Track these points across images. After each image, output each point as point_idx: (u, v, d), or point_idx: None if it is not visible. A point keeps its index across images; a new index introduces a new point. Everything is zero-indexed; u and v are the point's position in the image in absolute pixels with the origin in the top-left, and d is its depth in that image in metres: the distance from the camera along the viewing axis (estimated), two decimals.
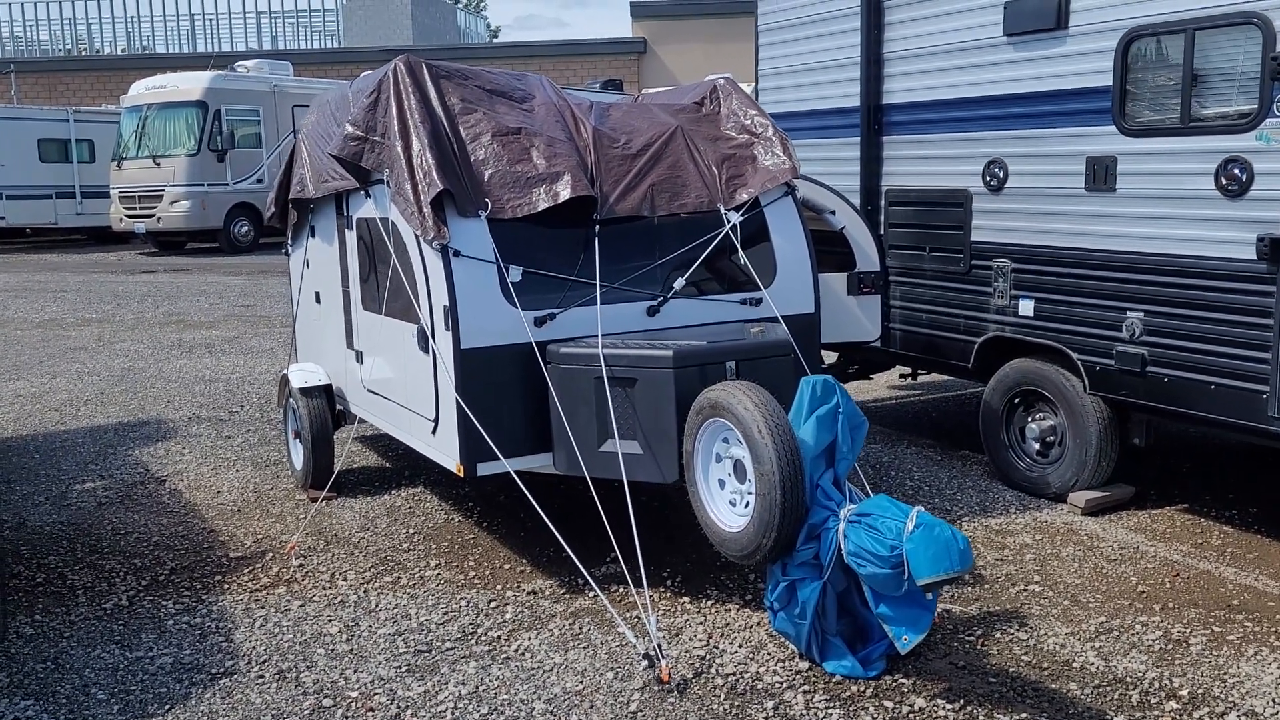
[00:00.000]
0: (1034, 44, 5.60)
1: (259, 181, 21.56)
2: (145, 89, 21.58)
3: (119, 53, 40.71)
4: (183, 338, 11.74)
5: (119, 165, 21.60)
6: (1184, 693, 3.85)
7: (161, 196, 20.90)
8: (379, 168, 5.05)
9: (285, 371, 6.45)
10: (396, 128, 4.86)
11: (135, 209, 21.30)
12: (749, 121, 5.58)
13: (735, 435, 4.03)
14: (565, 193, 4.81)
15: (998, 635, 4.31)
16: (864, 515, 3.78)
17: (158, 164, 20.94)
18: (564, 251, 4.91)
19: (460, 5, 50.02)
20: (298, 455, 6.32)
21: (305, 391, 6.16)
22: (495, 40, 53.90)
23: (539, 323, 4.72)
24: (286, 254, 6.98)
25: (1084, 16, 5.34)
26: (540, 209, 4.80)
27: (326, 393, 6.22)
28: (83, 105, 28.49)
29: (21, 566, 5.17)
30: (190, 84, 21.10)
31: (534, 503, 4.64)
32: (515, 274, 4.72)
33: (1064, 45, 5.45)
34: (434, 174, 4.65)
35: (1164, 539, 5.33)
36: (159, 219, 21.04)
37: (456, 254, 4.62)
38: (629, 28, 33.69)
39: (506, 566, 5.10)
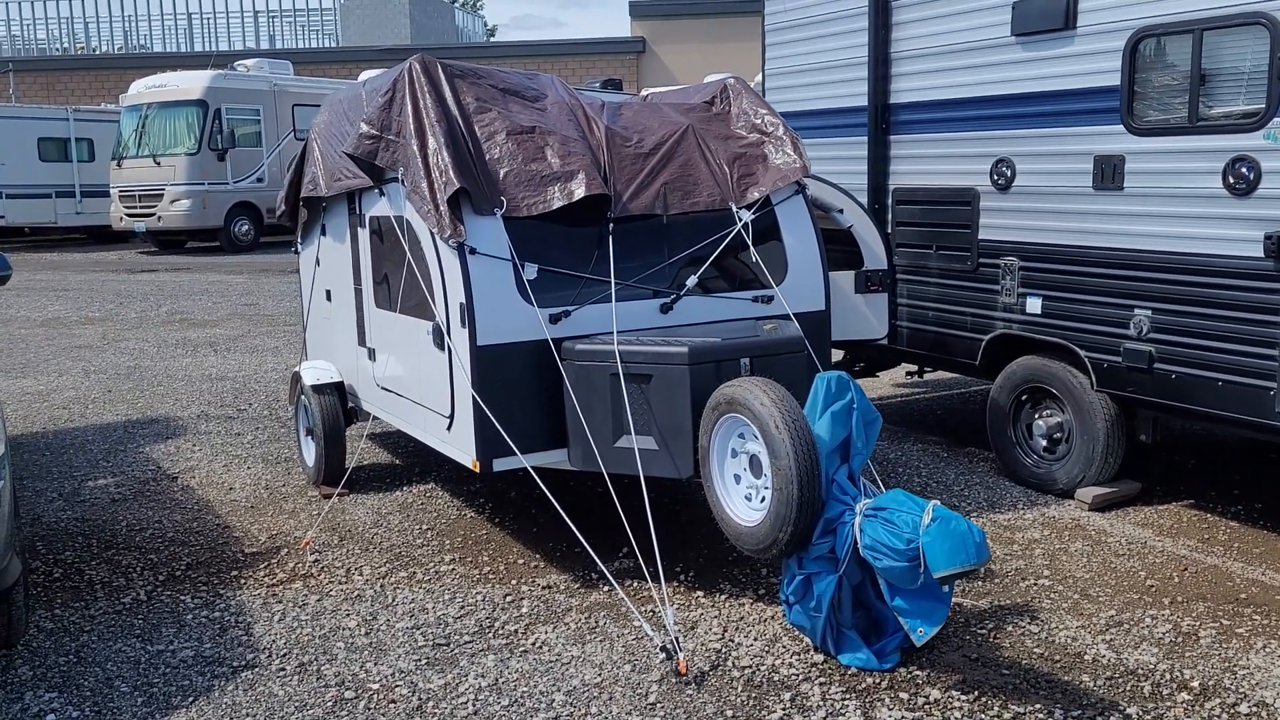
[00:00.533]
0: (1042, 44, 5.65)
1: (259, 180, 21.58)
2: (145, 88, 21.58)
3: (116, 51, 40.68)
4: (187, 336, 11.77)
5: (119, 164, 21.60)
6: (1195, 684, 3.90)
7: (162, 195, 20.91)
8: (394, 166, 5.09)
9: (297, 369, 6.48)
10: (412, 126, 4.90)
11: (135, 208, 21.31)
12: (759, 121, 5.63)
13: (752, 431, 4.08)
14: (580, 191, 4.85)
15: (1009, 628, 4.36)
16: (880, 509, 3.83)
17: (158, 163, 20.95)
18: (578, 249, 4.95)
19: (458, 4, 50.04)
20: (310, 452, 6.36)
21: (317, 388, 6.21)
22: (493, 40, 53.92)
23: (554, 320, 4.76)
24: (296, 252, 7.01)
25: (1092, 16, 5.39)
26: (555, 207, 4.84)
27: (338, 390, 6.26)
28: (81, 104, 28.47)
29: (38, 562, 5.21)
30: (190, 83, 21.11)
31: (551, 498, 4.69)
32: (531, 271, 4.76)
33: (1072, 45, 5.50)
34: (450, 172, 4.69)
35: (1171, 534, 5.39)
36: (159, 218, 21.05)
37: (473, 251, 4.67)
38: (627, 27, 33.73)
39: (520, 561, 5.14)
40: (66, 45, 42.61)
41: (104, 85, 33.61)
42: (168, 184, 20.85)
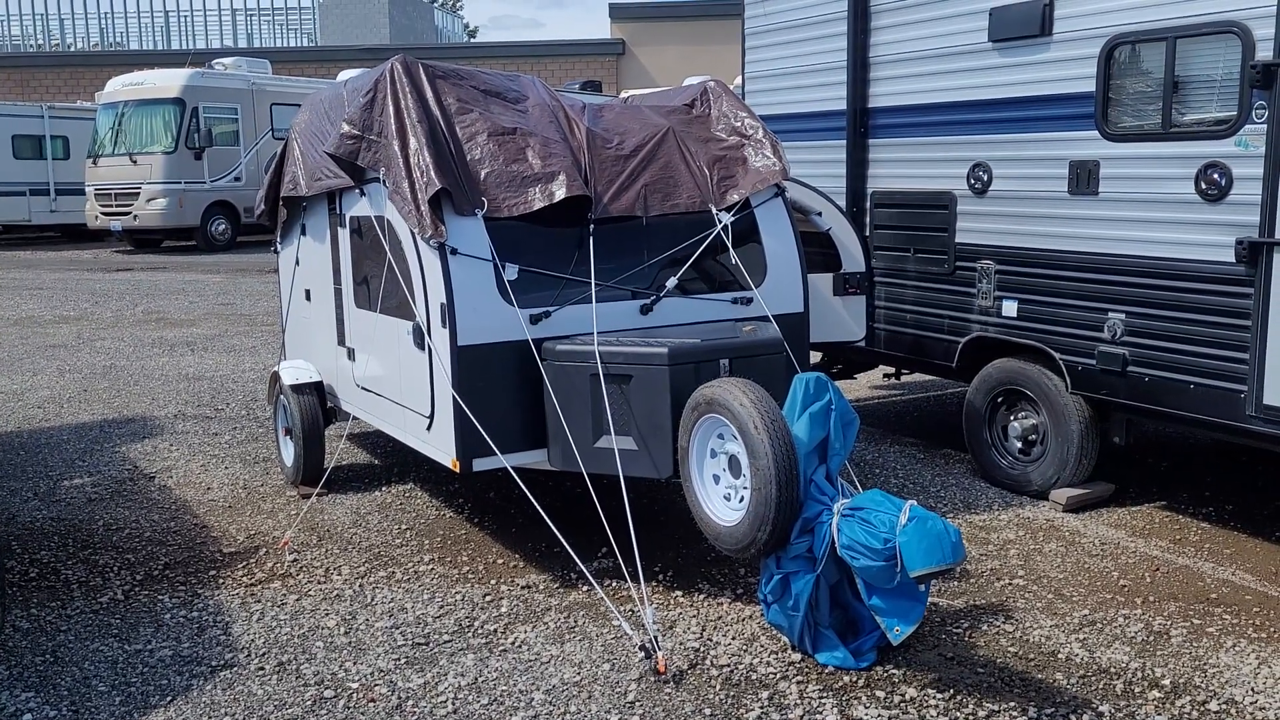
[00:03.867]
0: (1019, 50, 5.71)
1: (237, 179, 21.49)
2: (122, 86, 21.43)
3: (92, 49, 40.37)
4: (163, 335, 11.70)
5: (95, 162, 21.45)
6: (1166, 682, 3.95)
7: (138, 194, 20.77)
8: (375, 166, 5.09)
9: (276, 368, 6.47)
10: (394, 127, 4.90)
11: (111, 206, 21.16)
12: (739, 123, 5.66)
13: (731, 431, 4.11)
14: (561, 192, 4.87)
15: (984, 628, 4.41)
16: (857, 509, 3.86)
17: (134, 161, 20.80)
18: (559, 250, 4.97)
19: (437, 4, 49.92)
20: (288, 452, 6.35)
21: (296, 388, 6.19)
22: (473, 40, 53.84)
23: (534, 320, 4.78)
24: (275, 252, 6.99)
25: (1068, 23, 5.46)
26: (536, 208, 4.86)
27: (318, 389, 6.25)
28: (55, 101, 28.25)
29: (13, 561, 5.18)
30: (168, 81, 20.98)
31: (531, 498, 4.70)
32: (511, 272, 4.78)
33: (1048, 51, 5.57)
34: (432, 172, 4.70)
35: (1143, 535, 5.45)
36: (135, 217, 20.90)
37: (454, 252, 4.68)
38: (606, 29, 33.78)
39: (499, 561, 5.15)
40: (41, 42, 42.25)
41: (79, 82, 33.36)
42: (144, 182, 20.71)
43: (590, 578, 4.60)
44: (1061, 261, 5.62)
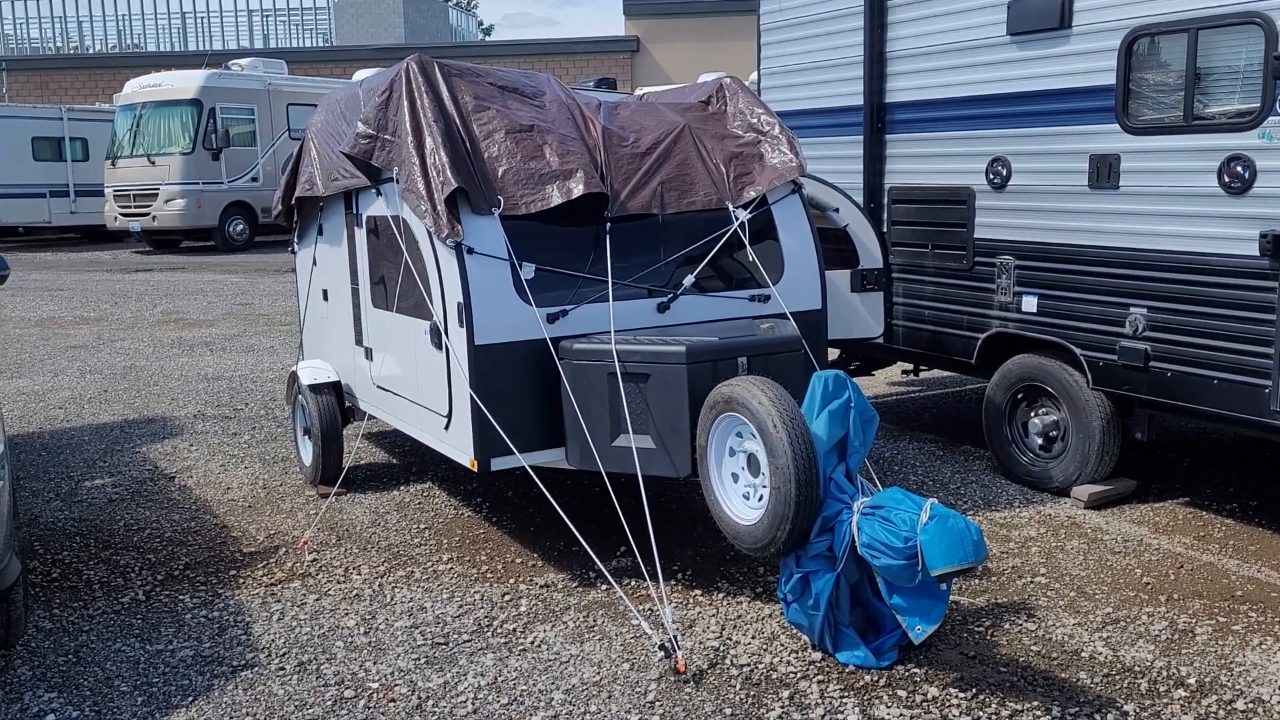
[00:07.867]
0: (1037, 43, 5.66)
1: (254, 180, 21.57)
2: (140, 87, 21.55)
3: (110, 51, 40.59)
4: (183, 336, 11.76)
5: (113, 164, 21.58)
6: (1192, 681, 3.92)
7: (156, 195, 20.88)
8: (390, 165, 5.09)
9: (294, 368, 6.48)
10: (409, 126, 4.90)
11: (130, 207, 21.29)
12: (755, 120, 5.64)
13: (749, 430, 4.09)
14: (578, 190, 4.86)
15: (1006, 626, 4.38)
16: (878, 507, 3.84)
17: (152, 162, 20.91)
18: (575, 248, 4.96)
19: (451, 3, 49.97)
20: (307, 452, 6.36)
21: (314, 388, 6.20)
22: (488, 39, 53.91)
23: (551, 319, 4.77)
24: (293, 252, 7.00)
25: (1087, 16, 5.41)
26: (553, 205, 4.85)
27: (335, 389, 6.26)
28: (74, 103, 28.42)
29: (36, 562, 5.21)
30: (185, 82, 21.08)
31: (549, 497, 4.70)
32: (528, 270, 4.77)
33: (1067, 44, 5.52)
34: (447, 172, 4.69)
35: (1167, 532, 5.41)
36: (154, 218, 21.02)
37: (470, 251, 4.67)
38: (620, 26, 33.74)
39: (518, 561, 5.15)
40: (60, 44, 42.51)
41: (98, 84, 33.56)
42: (162, 183, 20.82)
43: (609, 577, 4.59)
44: (1082, 256, 5.57)
